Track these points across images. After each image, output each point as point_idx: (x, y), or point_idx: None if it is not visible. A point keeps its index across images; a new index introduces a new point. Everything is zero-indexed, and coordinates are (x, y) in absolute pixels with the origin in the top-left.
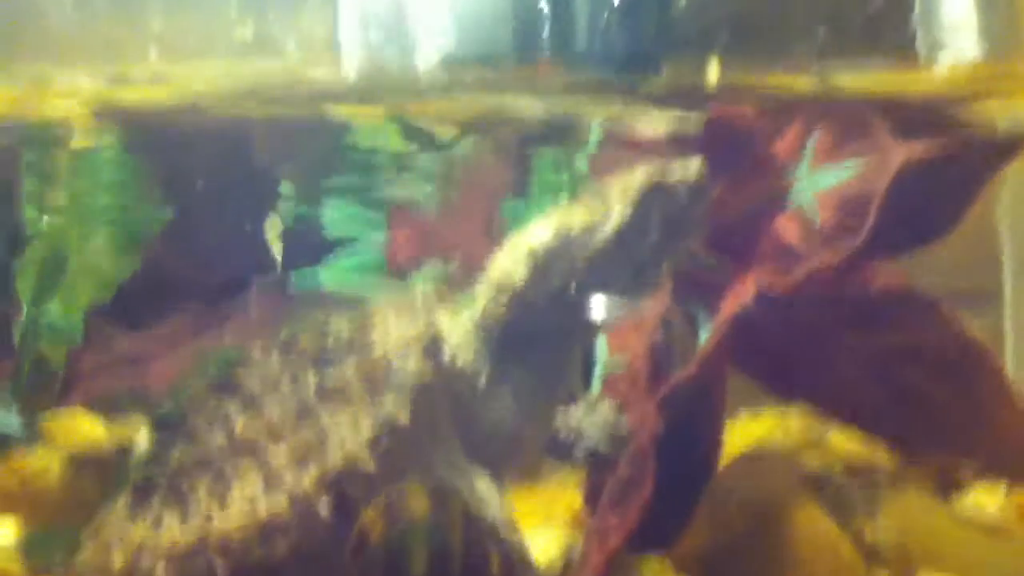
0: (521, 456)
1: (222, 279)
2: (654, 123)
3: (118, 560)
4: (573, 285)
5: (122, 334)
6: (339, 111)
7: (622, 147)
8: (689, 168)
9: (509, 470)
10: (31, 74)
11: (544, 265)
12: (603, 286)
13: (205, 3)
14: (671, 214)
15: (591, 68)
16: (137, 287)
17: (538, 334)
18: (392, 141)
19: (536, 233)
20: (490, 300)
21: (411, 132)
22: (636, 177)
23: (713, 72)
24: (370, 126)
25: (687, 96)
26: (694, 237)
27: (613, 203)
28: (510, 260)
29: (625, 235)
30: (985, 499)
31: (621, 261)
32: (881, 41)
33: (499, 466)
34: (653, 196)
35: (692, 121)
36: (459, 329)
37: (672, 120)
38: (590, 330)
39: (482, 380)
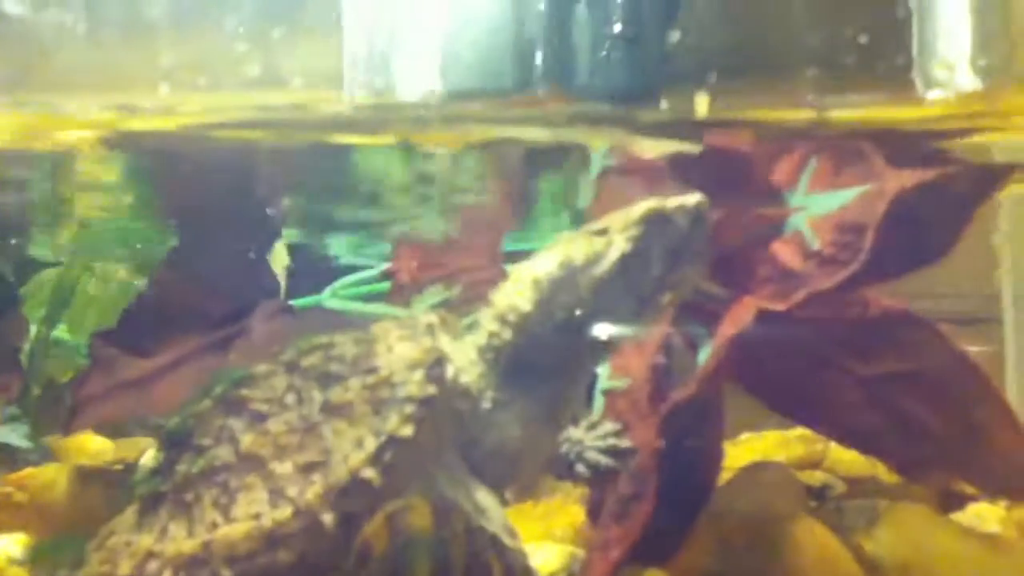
0: (523, 476)
1: (226, 305)
2: (653, 152)
3: (124, 568)
4: (578, 314)
5: (127, 358)
6: (344, 140)
7: (623, 176)
8: (689, 200)
9: (511, 488)
10: (41, 103)
11: (549, 295)
12: (607, 315)
13: (213, 37)
14: (672, 245)
15: (591, 99)
16: (143, 312)
17: (542, 360)
18: (396, 169)
19: (541, 264)
20: (495, 327)
21: (415, 156)
22: (637, 209)
23: (703, 105)
24: (375, 155)
25: (684, 127)
26: (696, 267)
27: (615, 234)
28: (516, 290)
29: (628, 265)
30: (986, 514)
31: (624, 291)
32: (876, 73)
33: (501, 485)
34: (654, 227)
35: (690, 151)
36: (462, 352)
37: (670, 150)
38: (594, 356)
39: (485, 403)
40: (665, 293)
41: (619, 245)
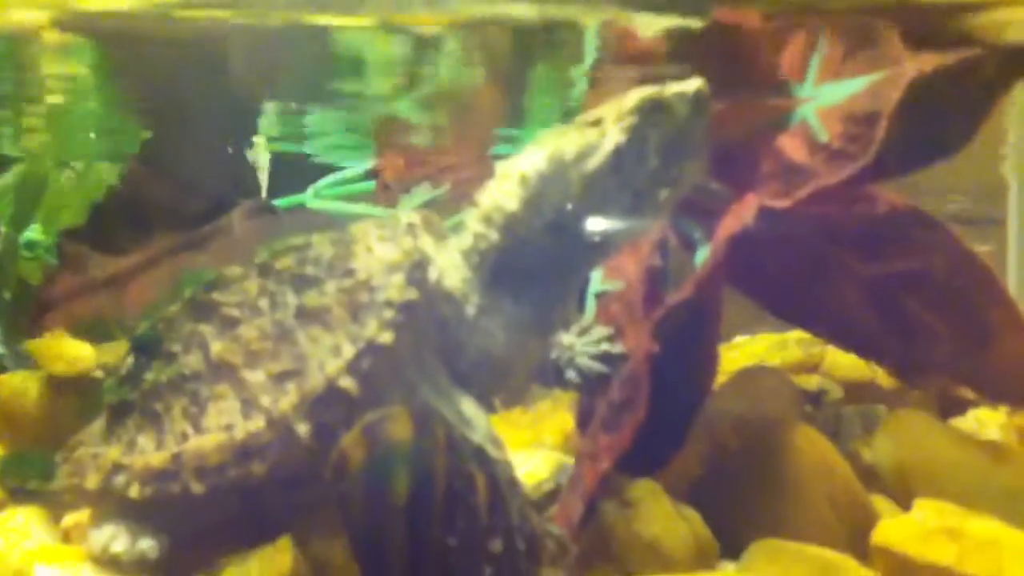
0: (511, 384)
1: (203, 202)
2: (651, 30)
3: (92, 481)
4: (569, 213)
5: (99, 256)
6: (321, 19)
7: (620, 62)
8: (687, 86)
9: (498, 395)
10: None
11: (537, 192)
12: (600, 213)
13: None
14: (670, 135)
15: None
16: (115, 208)
17: (531, 263)
18: (378, 55)
19: (528, 159)
20: (481, 228)
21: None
22: (631, 98)
23: None
24: (355, 37)
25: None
26: (696, 160)
27: (608, 126)
28: (501, 187)
29: (622, 158)
30: (986, 420)
31: (618, 186)
32: None
33: (487, 394)
34: (650, 117)
35: (693, 27)
36: (446, 255)
37: (669, 25)
38: (588, 259)
39: (469, 309)
40: (663, 188)
41: (613, 136)
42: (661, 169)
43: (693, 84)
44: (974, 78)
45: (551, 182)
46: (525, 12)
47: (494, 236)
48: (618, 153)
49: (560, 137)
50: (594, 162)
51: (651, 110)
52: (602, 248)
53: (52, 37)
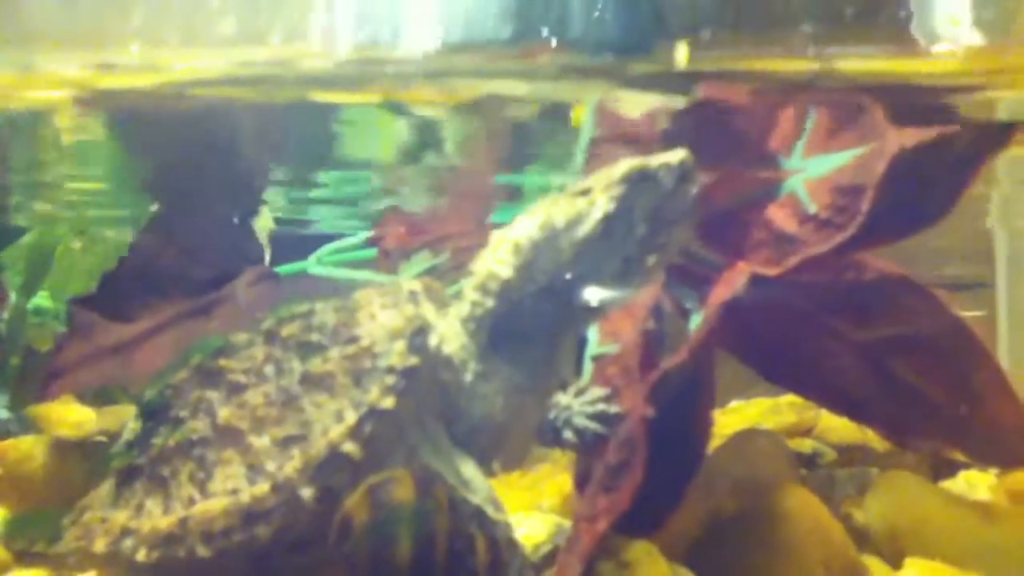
0: (510, 448)
1: (209, 271)
2: (643, 108)
3: (100, 544)
4: (561, 278)
5: (107, 324)
6: (327, 97)
7: (614, 141)
8: (673, 157)
9: (497, 458)
10: (15, 61)
11: (530, 259)
12: (591, 278)
13: None
14: (657, 204)
15: (585, 53)
16: (123, 277)
17: (525, 327)
18: (382, 130)
19: (521, 228)
20: (476, 296)
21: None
22: (620, 168)
23: (683, 54)
24: (359, 115)
25: (679, 80)
26: (682, 227)
27: (597, 195)
28: (495, 256)
29: (611, 226)
30: (976, 481)
31: (608, 252)
32: (877, 27)
33: (487, 458)
34: (637, 186)
35: (681, 106)
36: (446, 322)
37: (664, 103)
38: (580, 322)
39: (467, 375)
40: (651, 254)
41: (602, 205)
42: (649, 235)
43: (678, 155)
44: (953, 152)
45: (543, 249)
46: (525, 90)
47: (490, 303)
48: (607, 220)
49: (551, 206)
50: (584, 229)
51: (638, 179)
52: (594, 311)
53: (69, 113)
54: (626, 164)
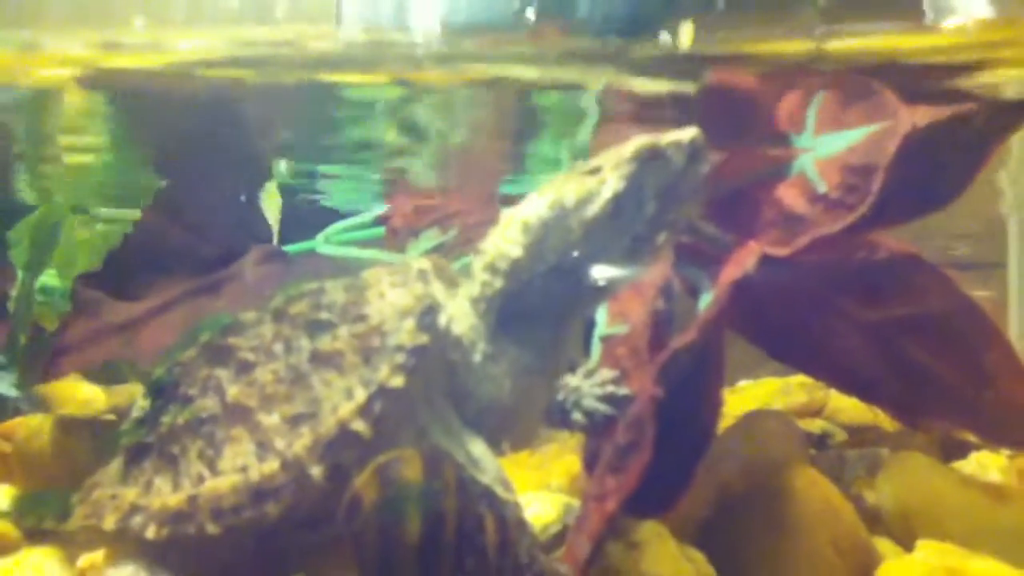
0: (518, 428)
1: (216, 248)
2: (651, 91)
3: (109, 521)
4: (570, 257)
5: (113, 301)
6: (335, 77)
7: (622, 118)
8: (683, 135)
9: (506, 439)
10: (19, 40)
11: (539, 238)
12: (600, 257)
13: None
14: (667, 182)
15: (591, 34)
16: (129, 254)
17: (534, 307)
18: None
19: (531, 206)
20: (486, 276)
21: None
22: (630, 146)
23: (688, 35)
24: (367, 93)
25: (687, 62)
26: (692, 204)
27: (607, 173)
28: (505, 235)
29: (621, 205)
30: (987, 463)
31: (617, 231)
32: (886, 2)
33: (496, 438)
34: (647, 164)
35: (689, 91)
36: (456, 303)
37: (667, 90)
38: (589, 302)
39: (476, 356)
40: (660, 232)
41: (612, 184)
42: (658, 214)
43: (688, 133)
44: (966, 131)
45: (553, 228)
46: (532, 74)
47: (499, 283)
48: (617, 200)
49: (561, 185)
50: (594, 208)
51: (648, 158)
52: (603, 290)
53: (74, 92)
54: (636, 142)
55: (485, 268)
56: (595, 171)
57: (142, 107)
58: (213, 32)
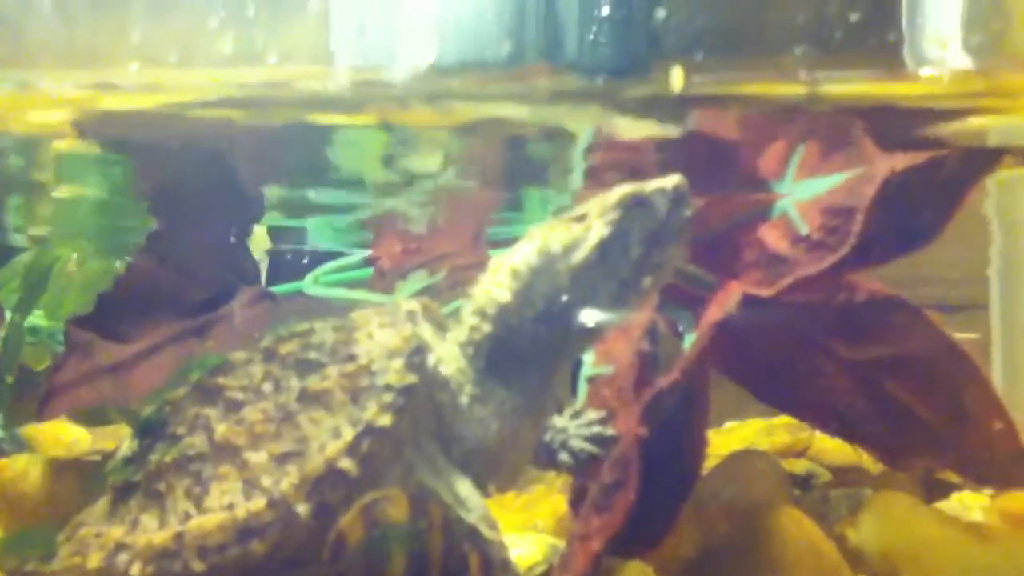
0: (506, 470)
1: (206, 290)
2: (637, 134)
3: (94, 560)
4: (558, 303)
5: (104, 343)
6: (326, 119)
7: (609, 164)
8: (667, 182)
9: (492, 481)
10: (13, 81)
11: (528, 284)
12: (588, 302)
13: (186, 12)
14: (652, 227)
15: (579, 76)
16: (120, 297)
17: (523, 351)
18: (379, 150)
19: (519, 253)
20: (475, 321)
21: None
22: (615, 194)
23: (679, 78)
24: (356, 139)
25: (672, 104)
26: (677, 249)
27: (593, 220)
28: (494, 281)
29: (607, 251)
30: (969, 502)
31: (604, 276)
32: (867, 51)
33: (481, 479)
34: (633, 211)
35: (674, 135)
36: (444, 345)
37: (654, 133)
38: (577, 345)
39: (464, 398)
40: (646, 276)
41: (598, 230)
42: (644, 259)
43: (672, 180)
44: (942, 175)
45: (541, 275)
46: (521, 114)
47: (488, 327)
48: (603, 246)
49: (548, 232)
50: (581, 254)
51: (633, 205)
52: (591, 334)
53: (67, 133)
54: (621, 190)
55: (474, 313)
56: (581, 218)
57: (133, 148)
58: (205, 72)
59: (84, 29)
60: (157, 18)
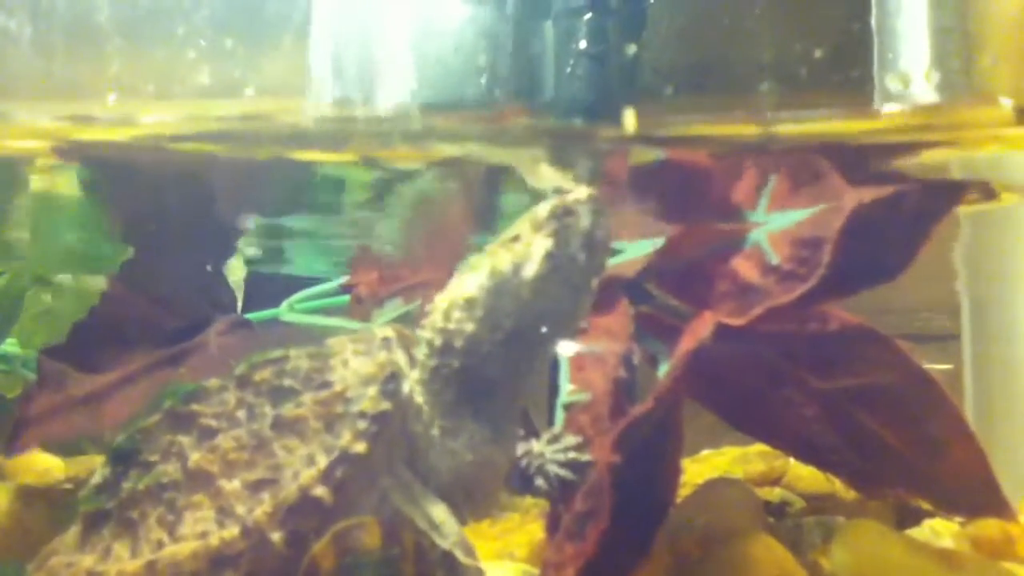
0: (481, 498)
1: (181, 319)
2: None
3: None
4: (527, 318)
5: (77, 374)
6: (305, 155)
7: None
8: (581, 192)
9: (467, 511)
10: None
11: (490, 308)
12: (553, 312)
13: (164, 44)
14: (583, 233)
15: (555, 115)
16: (94, 326)
17: (489, 376)
18: (357, 182)
19: (468, 283)
20: (435, 361)
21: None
22: (543, 208)
23: (631, 121)
24: (335, 168)
25: (644, 143)
26: (606, 252)
27: (530, 236)
28: (449, 318)
29: (555, 259)
30: (940, 529)
31: (559, 284)
32: (835, 88)
33: (456, 509)
34: (564, 220)
35: (647, 164)
36: (417, 373)
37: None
38: (543, 363)
39: (434, 431)
40: (593, 279)
41: (541, 243)
42: (587, 262)
43: (584, 190)
44: (908, 208)
45: (501, 295)
46: (499, 155)
47: (456, 362)
48: (551, 256)
49: (490, 257)
50: (533, 268)
51: (563, 215)
52: (554, 343)
53: (42, 164)
54: (547, 204)
55: (432, 355)
56: (516, 239)
57: (109, 179)
58: (182, 105)
59: (62, 60)
60: (135, 50)
